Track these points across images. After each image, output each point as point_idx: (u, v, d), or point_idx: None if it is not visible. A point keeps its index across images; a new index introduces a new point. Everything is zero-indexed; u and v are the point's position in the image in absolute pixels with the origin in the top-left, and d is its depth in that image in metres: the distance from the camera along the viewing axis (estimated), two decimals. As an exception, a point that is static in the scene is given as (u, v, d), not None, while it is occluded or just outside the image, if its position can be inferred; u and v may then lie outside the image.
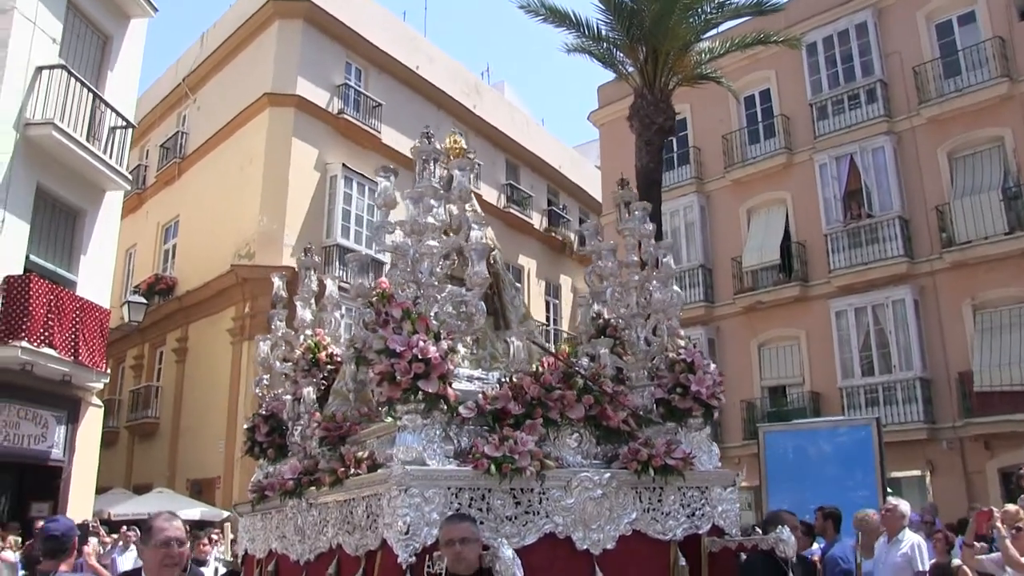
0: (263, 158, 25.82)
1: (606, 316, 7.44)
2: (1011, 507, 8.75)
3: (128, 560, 14.91)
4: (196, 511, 21.05)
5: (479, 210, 6.96)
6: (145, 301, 24.60)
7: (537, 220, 36.59)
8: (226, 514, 21.56)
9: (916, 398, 22.75)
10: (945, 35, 24.69)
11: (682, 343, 6.96)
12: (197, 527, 17.02)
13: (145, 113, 29.85)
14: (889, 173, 24.42)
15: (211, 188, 27.67)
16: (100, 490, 21.58)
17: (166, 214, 30.31)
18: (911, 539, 8.78)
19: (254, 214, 25.39)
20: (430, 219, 6.21)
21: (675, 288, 7.13)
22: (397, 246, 6.16)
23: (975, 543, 8.99)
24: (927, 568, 8.54)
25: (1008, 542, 7.38)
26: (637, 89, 19.38)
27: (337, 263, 25.38)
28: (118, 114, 20.64)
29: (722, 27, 21.52)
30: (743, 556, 6.48)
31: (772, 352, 26.27)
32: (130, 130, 21.29)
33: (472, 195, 6.80)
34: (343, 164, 26.67)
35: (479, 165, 30.49)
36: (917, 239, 23.94)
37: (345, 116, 27.39)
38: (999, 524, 7.53)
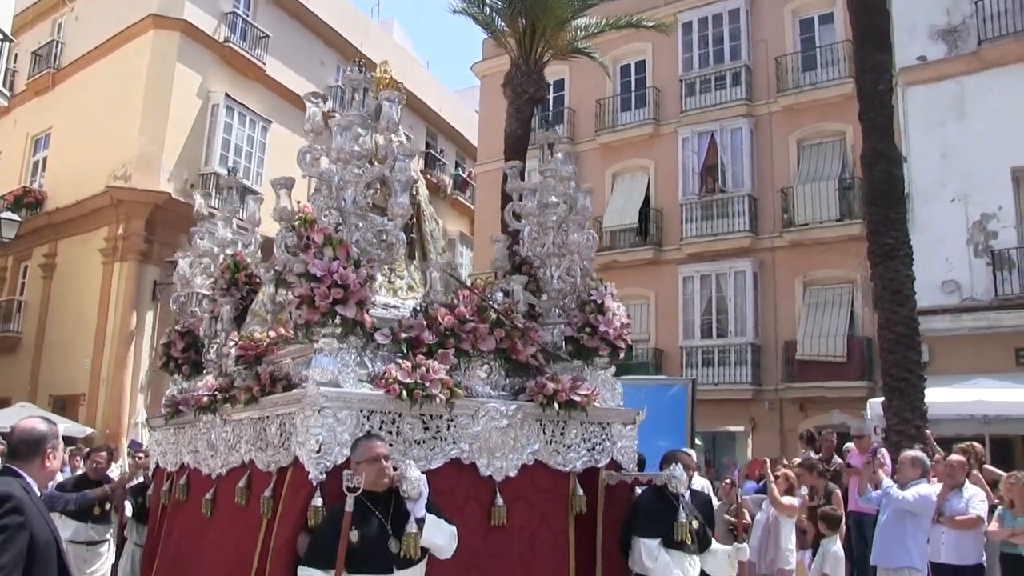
0: (145, 80, 24.30)
1: (523, 253, 7.05)
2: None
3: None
4: (60, 427, 19.63)
5: (405, 142, 6.50)
6: (19, 219, 22.39)
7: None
8: (90, 430, 21.34)
9: (746, 361, 23.55)
10: (807, 31, 24.98)
11: (594, 285, 6.84)
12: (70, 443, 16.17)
13: (15, 14, 26.57)
14: (744, 153, 24.80)
15: (87, 104, 25.66)
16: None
17: (37, 125, 28.07)
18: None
19: (132, 136, 23.94)
20: (356, 148, 5.87)
21: (591, 231, 6.95)
22: (322, 173, 5.96)
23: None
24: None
25: (772, 484, 8.25)
26: (514, 59, 19.50)
27: (213, 190, 23.99)
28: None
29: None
30: (638, 490, 6.47)
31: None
32: (7, 43, 19.90)
33: (399, 127, 6.31)
34: (226, 94, 25.41)
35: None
36: (762, 217, 24.46)
37: (231, 45, 25.92)
38: (768, 471, 8.34)
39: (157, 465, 8.02)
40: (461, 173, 37.28)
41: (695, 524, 6.20)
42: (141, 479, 9.26)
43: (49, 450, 4.52)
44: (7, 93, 19.75)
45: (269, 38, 27.18)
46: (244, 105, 25.81)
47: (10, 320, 26.23)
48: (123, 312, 22.92)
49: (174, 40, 24.47)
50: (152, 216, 23.49)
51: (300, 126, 27.27)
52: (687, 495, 6.58)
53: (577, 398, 6.07)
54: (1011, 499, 9.25)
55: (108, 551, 8.81)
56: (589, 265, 6.95)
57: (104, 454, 9.32)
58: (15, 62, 28.44)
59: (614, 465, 6.44)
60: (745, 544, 6.59)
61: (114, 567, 8.78)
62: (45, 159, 27.49)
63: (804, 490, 10.43)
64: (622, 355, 6.80)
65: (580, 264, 6.87)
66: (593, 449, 6.35)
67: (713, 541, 6.45)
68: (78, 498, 8.22)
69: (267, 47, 27.10)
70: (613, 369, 6.84)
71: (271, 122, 26.75)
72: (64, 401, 23.53)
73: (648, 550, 5.94)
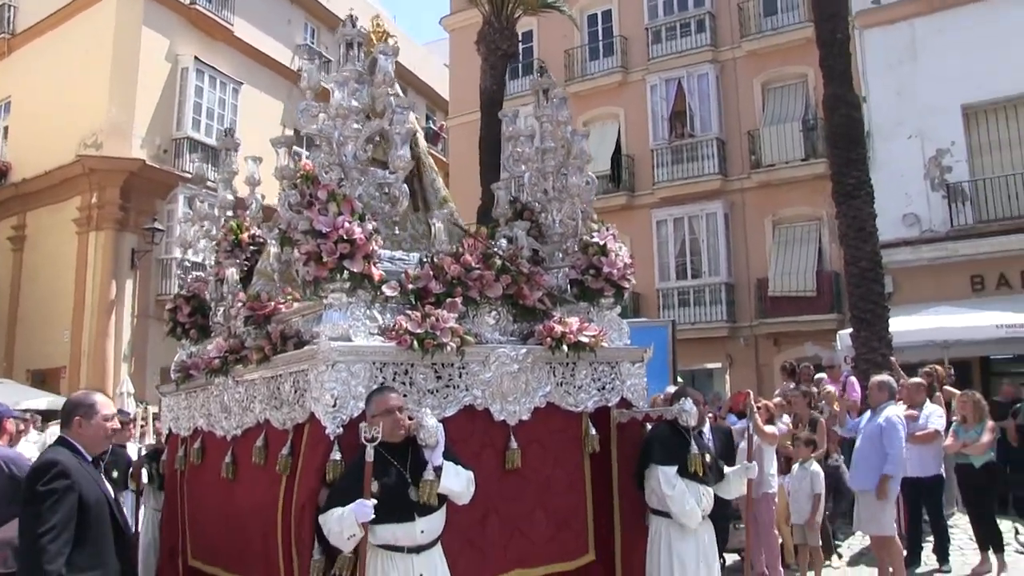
0: (111, 46, 23.36)
1: (523, 200, 6.93)
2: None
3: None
4: (42, 401, 19.38)
5: (402, 94, 6.31)
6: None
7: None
8: None
9: (721, 300, 23.85)
10: None
11: (596, 227, 6.75)
12: (45, 417, 15.81)
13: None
14: (711, 98, 24.89)
15: (50, 72, 24.59)
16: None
17: (-6, 92, 27.09)
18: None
19: (101, 103, 23.08)
20: (354, 103, 5.73)
21: (590, 174, 6.83)
22: (321, 129, 5.81)
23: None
24: None
25: (756, 416, 8.11)
26: (486, 16, 19.42)
27: (187, 155, 23.85)
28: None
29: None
30: (649, 426, 6.44)
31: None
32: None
33: (395, 80, 6.13)
34: (195, 56, 24.57)
35: (329, 61, 28.98)
36: (731, 159, 24.60)
37: (197, 7, 24.98)
38: (751, 402, 8.20)
39: (170, 431, 7.83)
40: (432, 126, 36.83)
41: (707, 457, 6.19)
42: (155, 444, 9.12)
43: (79, 417, 4.67)
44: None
45: (235, -2, 26.60)
46: (214, 67, 25.14)
47: (-22, 295, 25.41)
48: (102, 282, 22.30)
49: (138, 4, 23.66)
50: (127, 183, 22.81)
51: (270, 86, 27.43)
52: (707, 429, 6.53)
53: (585, 339, 6.00)
54: (963, 415, 10.05)
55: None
56: (589, 208, 6.86)
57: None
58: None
59: (624, 403, 6.38)
60: (754, 463, 6.63)
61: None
62: (6, 128, 26.41)
63: (786, 418, 10.72)
64: (627, 295, 6.72)
65: (580, 207, 6.78)
66: (603, 389, 6.29)
67: (724, 468, 6.48)
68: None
69: (233, 8, 26.30)
70: (619, 309, 6.77)
71: (242, 83, 26.09)
72: (44, 375, 22.90)
73: (667, 477, 5.93)
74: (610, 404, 6.31)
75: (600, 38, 27.58)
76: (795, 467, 9.76)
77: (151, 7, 23.85)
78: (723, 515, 8.20)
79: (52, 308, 22.99)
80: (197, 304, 7.52)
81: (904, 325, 15.59)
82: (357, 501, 4.60)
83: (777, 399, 11.35)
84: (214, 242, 7.58)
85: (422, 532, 4.84)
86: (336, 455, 4.99)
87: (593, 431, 6.15)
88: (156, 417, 13.43)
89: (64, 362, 22.58)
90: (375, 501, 4.62)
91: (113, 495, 4.83)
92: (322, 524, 4.80)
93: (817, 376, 13.43)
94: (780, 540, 9.78)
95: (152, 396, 22.00)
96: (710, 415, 11.21)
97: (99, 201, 22.84)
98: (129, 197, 22.98)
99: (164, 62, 24.12)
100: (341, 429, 5.05)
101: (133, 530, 8.46)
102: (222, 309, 7.01)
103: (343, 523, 4.64)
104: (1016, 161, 19.35)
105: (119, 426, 4.62)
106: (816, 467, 9.65)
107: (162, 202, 23.53)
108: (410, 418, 5.00)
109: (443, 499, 4.93)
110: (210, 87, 25.06)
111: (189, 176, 23.41)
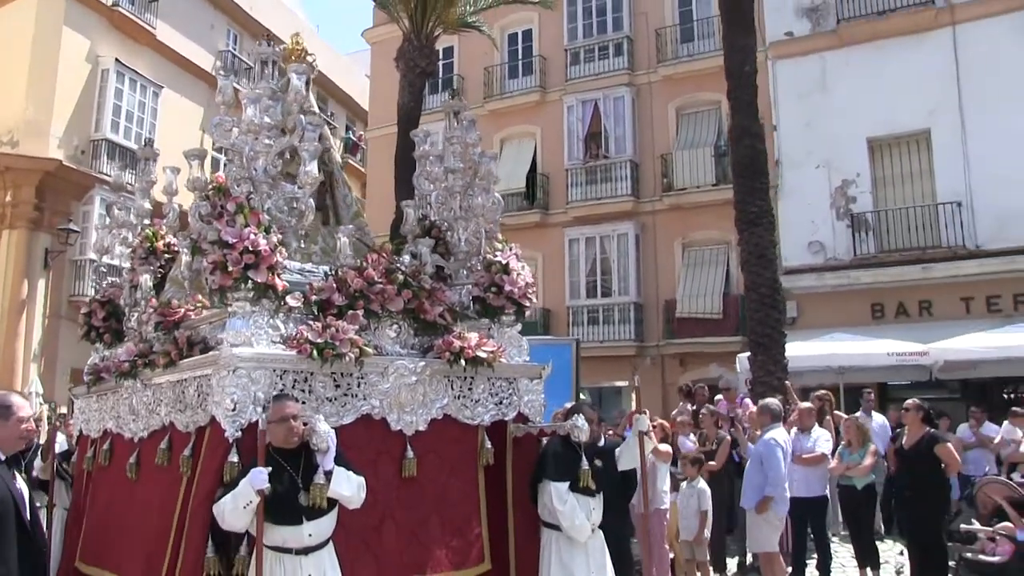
0: (30, 45, 22.71)
1: (432, 218, 7.09)
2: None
3: None
4: None
5: (316, 110, 6.45)
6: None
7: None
8: None
9: (630, 319, 23.88)
10: (685, 4, 25.18)
11: (499, 246, 6.94)
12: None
13: None
14: (626, 121, 24.96)
15: None
16: None
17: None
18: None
19: (18, 101, 22.60)
20: (266, 119, 5.82)
21: (496, 194, 7.05)
22: (234, 144, 5.93)
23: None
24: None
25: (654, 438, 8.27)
26: (405, 34, 19.33)
27: (104, 157, 23.50)
28: None
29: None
30: (544, 440, 6.60)
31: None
32: None
33: (308, 98, 6.27)
34: (116, 59, 24.22)
35: (250, 68, 28.59)
36: (643, 182, 24.71)
37: (119, 9, 24.44)
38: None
39: (81, 432, 7.87)
40: (352, 136, 36.63)
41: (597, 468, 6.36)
42: (67, 446, 9.10)
43: None
44: None
45: (158, 2, 25.96)
46: (135, 71, 24.72)
47: None
48: (13, 281, 21.79)
49: (60, 3, 23.12)
50: (42, 183, 22.27)
51: (191, 91, 27.05)
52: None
53: (483, 354, 6.17)
54: (848, 439, 10.52)
55: None
56: (494, 227, 7.02)
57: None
58: None
59: (521, 418, 6.56)
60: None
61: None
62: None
63: (693, 436, 11.23)
64: (528, 313, 6.91)
65: (485, 226, 6.94)
66: (501, 403, 6.47)
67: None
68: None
69: (156, 11, 25.91)
70: (519, 326, 6.95)
71: (162, 87, 25.69)
72: (-51, 372, 22.39)
73: (558, 492, 6.08)
74: (507, 418, 6.48)
75: (520, 57, 27.62)
76: (683, 485, 10.01)
77: (73, 7, 23.39)
78: (622, 534, 8.30)
79: (-39, 307, 22.47)
80: (112, 309, 7.59)
81: (803, 350, 16.05)
82: (252, 470, 4.74)
83: (682, 418, 11.84)
84: (130, 249, 7.65)
85: (310, 535, 4.97)
86: (234, 457, 5.11)
87: (489, 444, 6.31)
88: (61, 418, 13.25)
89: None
90: (269, 469, 4.76)
91: (27, 497, 4.82)
92: (216, 514, 4.90)
93: (716, 398, 13.82)
94: (672, 555, 10.00)
95: (61, 396, 21.69)
96: (609, 431, 11.52)
97: (13, 200, 22.28)
98: (44, 197, 22.44)
99: (84, 63, 23.67)
100: (240, 433, 5.17)
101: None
102: (135, 314, 7.07)
103: (237, 496, 4.77)
104: (916, 194, 19.94)
105: (35, 428, 4.65)
106: (703, 484, 9.90)
107: (78, 203, 23.11)
108: (304, 424, 5.12)
109: (333, 503, 5.06)
110: (130, 90, 24.64)
111: (107, 178, 22.80)
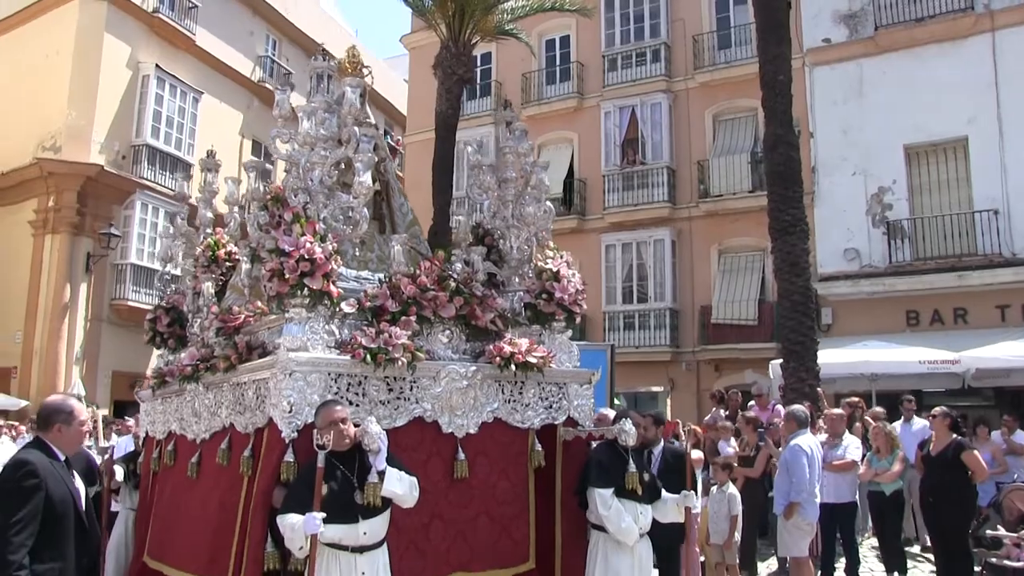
0: (72, 51, 23.35)
1: (485, 226, 7.27)
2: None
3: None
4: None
5: (372, 122, 6.59)
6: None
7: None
8: (24, 403, 20.51)
9: (665, 325, 23.99)
10: (723, 11, 25.17)
11: (550, 253, 7.02)
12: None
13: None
14: (663, 127, 25.03)
15: (9, 73, 24.46)
16: None
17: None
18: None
19: (61, 107, 23.08)
20: (322, 131, 6.10)
21: (547, 203, 7.20)
22: (290, 155, 6.13)
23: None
24: None
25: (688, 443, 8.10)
26: (443, 41, 19.40)
27: (145, 162, 23.90)
28: None
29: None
30: (593, 444, 6.65)
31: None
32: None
33: (364, 110, 6.45)
34: (156, 65, 24.67)
35: (290, 74, 28.90)
36: (680, 188, 24.78)
37: (160, 15, 24.99)
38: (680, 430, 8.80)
39: (147, 434, 8.13)
40: (390, 140, 36.76)
41: (646, 476, 6.38)
42: (133, 447, 9.36)
43: (59, 423, 4.99)
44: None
45: (198, 8, 26.35)
46: (175, 76, 25.09)
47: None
48: (56, 284, 22.22)
49: (101, 10, 23.53)
50: (84, 188, 22.74)
51: (231, 97, 27.34)
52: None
53: (533, 360, 6.27)
54: (877, 446, 10.64)
55: None
56: (546, 235, 7.14)
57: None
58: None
59: (571, 422, 6.64)
60: (692, 492, 6.70)
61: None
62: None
63: (734, 442, 11.38)
64: (578, 319, 7.00)
65: (536, 234, 7.07)
66: (551, 407, 6.55)
67: (663, 491, 6.61)
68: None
69: (196, 17, 26.28)
70: (570, 332, 7.03)
71: (202, 93, 26.05)
72: (-8, 375, 22.81)
73: (602, 499, 6.12)
74: (556, 422, 6.57)
75: (557, 63, 27.69)
76: (713, 490, 10.08)
77: (114, 14, 23.77)
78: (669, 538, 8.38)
79: (5, 309, 22.79)
80: (176, 315, 7.88)
81: (836, 357, 16.05)
82: (308, 515, 4.82)
83: (723, 424, 12.01)
84: (192, 258, 7.91)
85: (364, 534, 5.08)
86: (290, 457, 5.29)
87: (539, 447, 6.42)
88: (104, 421, 13.55)
89: (15, 363, 22.39)
90: (324, 515, 4.84)
91: (83, 493, 5.08)
92: (280, 525, 5.00)
93: (749, 404, 13.89)
94: (702, 558, 10.00)
95: (102, 399, 22.02)
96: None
97: (56, 204, 22.74)
98: (86, 201, 22.87)
99: (125, 69, 24.05)
100: (296, 433, 5.34)
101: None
102: (198, 320, 7.32)
103: (295, 533, 4.86)
104: (952, 202, 19.85)
105: (91, 429, 4.96)
106: (733, 489, 9.97)
107: (119, 208, 23.48)
108: (356, 425, 5.25)
109: (387, 502, 5.17)
110: (170, 95, 24.99)
111: (147, 183, 23.50)
